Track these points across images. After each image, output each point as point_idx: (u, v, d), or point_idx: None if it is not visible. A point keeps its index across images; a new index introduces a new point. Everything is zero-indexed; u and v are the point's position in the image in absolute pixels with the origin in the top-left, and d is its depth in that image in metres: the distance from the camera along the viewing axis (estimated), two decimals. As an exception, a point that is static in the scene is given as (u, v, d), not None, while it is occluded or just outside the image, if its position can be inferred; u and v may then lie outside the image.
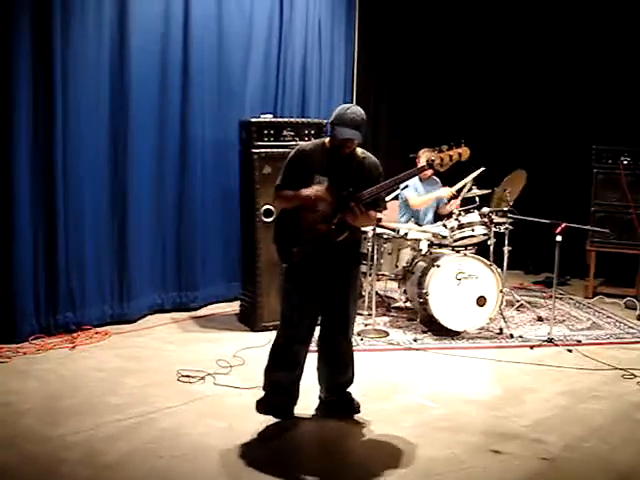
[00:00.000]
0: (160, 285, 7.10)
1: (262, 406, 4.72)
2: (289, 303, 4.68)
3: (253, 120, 6.54)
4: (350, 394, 4.94)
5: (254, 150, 6.43)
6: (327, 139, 4.63)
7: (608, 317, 7.48)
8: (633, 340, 6.70)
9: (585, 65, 8.95)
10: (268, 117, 6.64)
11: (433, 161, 4.51)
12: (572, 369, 5.87)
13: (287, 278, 4.72)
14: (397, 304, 7.57)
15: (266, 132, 6.47)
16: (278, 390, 4.74)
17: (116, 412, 4.77)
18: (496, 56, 9.18)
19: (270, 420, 4.70)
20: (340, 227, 4.49)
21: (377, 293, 7.33)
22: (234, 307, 7.19)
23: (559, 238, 6.31)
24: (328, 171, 4.51)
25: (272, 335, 6.08)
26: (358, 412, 4.87)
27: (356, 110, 4.47)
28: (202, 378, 5.38)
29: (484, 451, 4.40)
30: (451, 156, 4.46)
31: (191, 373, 5.43)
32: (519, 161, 8.70)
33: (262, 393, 4.76)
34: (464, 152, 4.47)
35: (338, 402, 4.92)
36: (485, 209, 6.98)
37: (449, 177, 7.13)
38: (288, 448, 4.44)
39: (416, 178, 7.61)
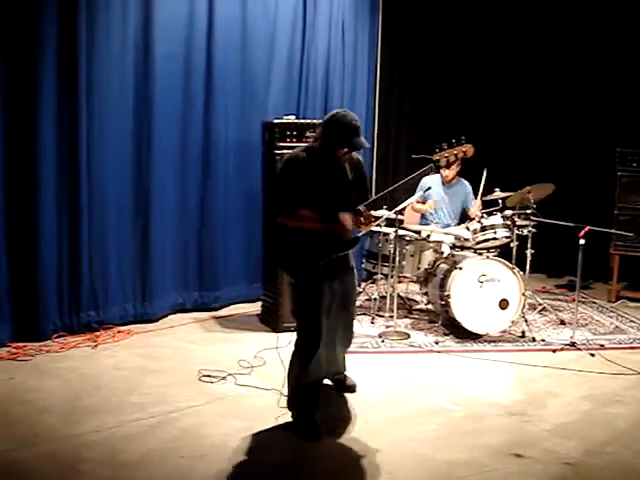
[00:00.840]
0: (182, 285, 7.13)
1: (310, 433, 4.56)
2: (307, 312, 4.62)
3: (276, 121, 6.55)
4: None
5: (277, 151, 6.43)
6: (316, 144, 4.59)
7: (631, 321, 7.42)
8: (657, 345, 6.65)
9: (610, 67, 8.87)
10: (291, 118, 6.65)
11: (438, 161, 4.55)
12: (594, 373, 5.83)
13: (302, 287, 4.61)
14: (419, 306, 7.55)
15: (289, 133, 6.47)
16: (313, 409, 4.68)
17: (137, 411, 4.79)
18: (523, 58, 9.14)
19: (284, 419, 4.72)
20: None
21: (399, 295, 7.32)
22: (256, 308, 7.19)
23: (582, 241, 6.26)
24: (329, 177, 4.55)
25: (292, 336, 6.14)
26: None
27: (354, 116, 4.49)
28: (223, 378, 5.39)
29: (505, 455, 4.37)
30: (456, 154, 4.57)
31: (212, 373, 5.45)
32: (543, 164, 8.74)
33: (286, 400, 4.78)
34: (468, 149, 4.61)
35: None
36: (508, 212, 6.95)
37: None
38: (308, 451, 4.43)
39: (439, 181, 7.63)
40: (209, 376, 5.41)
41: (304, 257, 4.54)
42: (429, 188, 7.35)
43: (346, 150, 4.48)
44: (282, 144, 6.43)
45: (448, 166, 4.57)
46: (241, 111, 7.25)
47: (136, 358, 5.83)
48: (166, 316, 6.94)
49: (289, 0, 7.50)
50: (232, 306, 7.39)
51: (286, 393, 4.80)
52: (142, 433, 4.50)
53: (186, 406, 4.90)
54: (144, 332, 6.50)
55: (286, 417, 4.73)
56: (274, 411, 4.80)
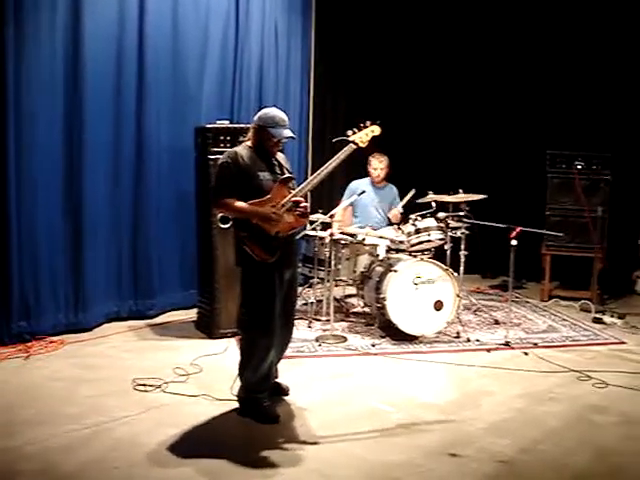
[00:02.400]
0: (116, 293, 7.03)
1: (266, 415, 4.87)
2: (270, 296, 4.81)
3: (209, 126, 6.52)
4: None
5: (210, 156, 6.39)
6: (249, 141, 4.95)
7: (564, 320, 7.56)
8: (588, 342, 6.79)
9: (538, 73, 9.05)
10: (224, 123, 6.61)
11: (355, 141, 5.05)
12: (528, 372, 5.93)
13: (257, 277, 4.83)
14: (355, 309, 7.58)
15: (222, 138, 6.43)
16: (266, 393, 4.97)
17: (72, 422, 4.71)
18: (455, 61, 9.26)
19: (227, 427, 4.70)
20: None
21: (335, 299, 7.35)
22: (192, 314, 7.13)
23: (514, 242, 6.38)
24: (266, 168, 4.90)
25: (230, 342, 6.13)
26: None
27: (281, 111, 4.97)
28: (159, 386, 5.33)
29: (441, 454, 4.42)
30: (367, 134, 5.11)
31: (147, 382, 5.38)
32: (475, 167, 8.87)
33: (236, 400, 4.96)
34: (376, 129, 5.17)
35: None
36: (441, 214, 7.03)
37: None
38: (245, 454, 4.39)
39: (369, 185, 7.71)
40: (144, 385, 5.34)
41: (264, 235, 4.76)
42: (363, 192, 7.42)
43: (276, 140, 4.90)
44: (215, 149, 6.38)
45: (364, 144, 5.06)
46: (174, 115, 7.19)
47: (70, 368, 5.72)
48: (100, 325, 6.83)
49: (221, 2, 7.46)
50: (168, 313, 7.32)
51: (237, 385, 4.98)
52: (78, 444, 4.43)
53: (121, 416, 4.82)
54: (78, 342, 6.38)
55: (223, 424, 4.71)
56: (210, 417, 4.77)
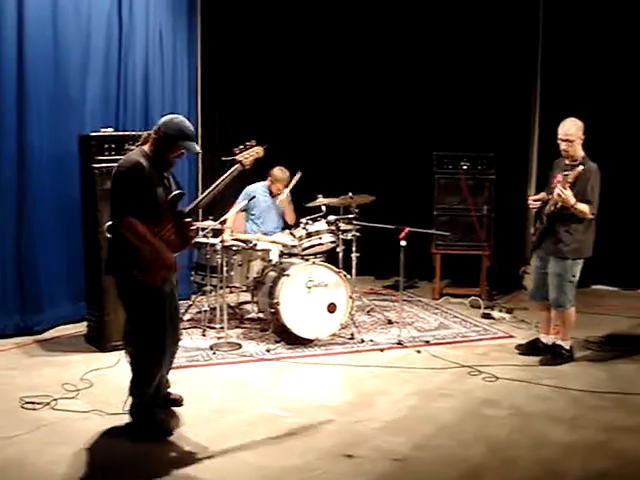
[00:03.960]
0: (1, 309, 6.76)
1: (160, 428, 4.77)
2: (161, 310, 4.65)
3: (93, 134, 6.37)
4: None
5: (95, 165, 6.25)
6: (149, 150, 4.61)
7: (454, 317, 7.73)
8: (478, 338, 6.96)
9: (423, 76, 9.22)
10: (109, 131, 6.47)
11: (242, 162, 4.95)
12: (421, 370, 6.02)
13: (145, 296, 4.60)
14: (250, 315, 7.54)
15: (107, 146, 6.29)
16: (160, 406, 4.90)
17: (-44, 445, 4.52)
18: (344, 65, 9.31)
19: (119, 442, 4.60)
20: None
21: (229, 306, 7.30)
22: (82, 328, 6.92)
23: (403, 243, 6.48)
24: (161, 182, 4.63)
25: (121, 354, 5.97)
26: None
27: (187, 121, 4.68)
28: (48, 404, 5.15)
29: (336, 456, 4.43)
30: (251, 154, 4.99)
31: (36, 399, 5.19)
32: (364, 169, 8.95)
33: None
34: (260, 151, 5.05)
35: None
36: (332, 217, 7.06)
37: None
38: (138, 470, 4.30)
39: (265, 190, 7.70)
40: (33, 402, 5.15)
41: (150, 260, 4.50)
42: (253, 197, 7.41)
43: (181, 152, 4.64)
44: (100, 157, 6.25)
45: (249, 165, 4.99)
46: (57, 124, 6.95)
47: (-48, 389, 5.50)
48: (-16, 343, 6.58)
49: (103, 7, 7.29)
50: (57, 328, 7.08)
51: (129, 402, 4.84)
52: (-37, 466, 4.25)
53: (9, 435, 4.64)
54: (-40, 361, 6.14)
55: (115, 439, 4.62)
56: (101, 434, 4.66)
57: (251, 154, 5.00)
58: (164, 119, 4.66)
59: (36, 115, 6.79)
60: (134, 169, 4.48)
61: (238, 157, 4.96)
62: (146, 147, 4.64)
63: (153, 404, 4.81)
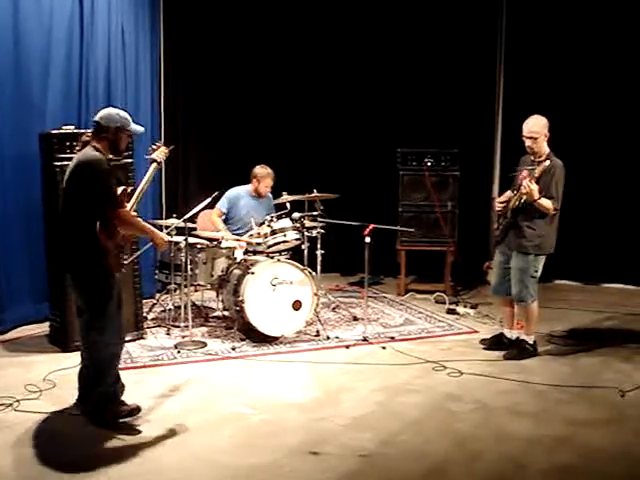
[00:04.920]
0: (-39, 309, 6.67)
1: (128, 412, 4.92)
2: (115, 308, 4.80)
3: (54, 132, 6.28)
4: None
5: (56, 163, 6.17)
6: (102, 147, 4.76)
7: (419, 312, 7.75)
8: (443, 333, 7.00)
9: (386, 73, 9.25)
10: (70, 128, 6.39)
11: (156, 160, 5.52)
12: (386, 366, 6.04)
13: (109, 287, 4.77)
14: (215, 314, 7.50)
15: (68, 144, 6.20)
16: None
17: None
18: (302, 62, 9.29)
19: (83, 443, 4.55)
20: None
21: (194, 304, 7.26)
22: (45, 328, 6.84)
23: (368, 239, 6.49)
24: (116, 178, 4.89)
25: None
26: None
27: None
28: (10, 405, 5.08)
29: (303, 453, 4.43)
30: (164, 152, 5.59)
31: (-3, 401, 5.14)
32: (328, 166, 8.95)
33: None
34: (166, 149, 5.63)
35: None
36: (296, 214, 7.05)
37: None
38: (103, 471, 4.24)
39: (248, 194, 7.64)
40: (-6, 404, 5.10)
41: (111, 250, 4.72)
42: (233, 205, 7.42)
43: (136, 135, 5.22)
44: (61, 155, 6.17)
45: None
46: (17, 123, 6.84)
47: None
48: (-57, 344, 6.48)
49: (65, 4, 7.19)
50: (19, 328, 6.98)
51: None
52: None
53: (-32, 439, 4.59)
54: None
55: (78, 440, 4.57)
56: (65, 434, 4.61)
57: (162, 153, 5.55)
58: (103, 116, 4.83)
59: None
60: (105, 165, 4.69)
61: (153, 156, 5.51)
62: (95, 146, 4.75)
63: (117, 396, 4.90)
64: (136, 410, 4.96)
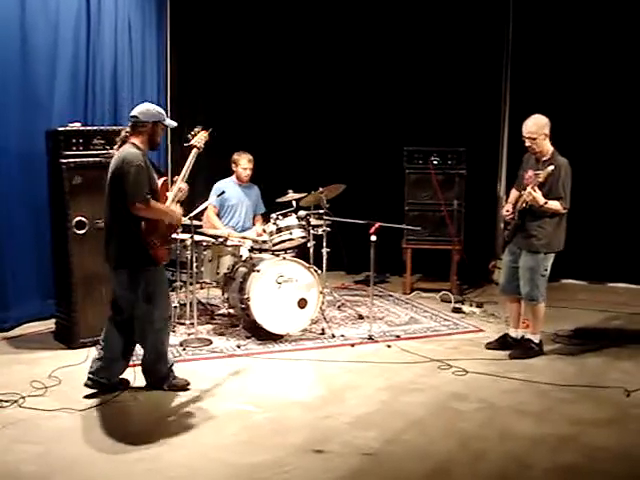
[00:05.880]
0: (-33, 306, 6.68)
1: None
2: (161, 296, 5.21)
3: (60, 129, 6.28)
4: None
5: (62, 160, 6.18)
6: (139, 142, 5.06)
7: (425, 311, 7.74)
8: (448, 332, 6.99)
9: (392, 72, 9.24)
10: (76, 126, 6.40)
11: (196, 146, 5.66)
12: (391, 364, 6.03)
13: (154, 278, 5.12)
14: (221, 311, 7.51)
15: (74, 141, 6.23)
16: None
17: None
18: (310, 60, 9.28)
19: (88, 440, 4.56)
20: None
21: (200, 302, 7.27)
22: (50, 325, 6.85)
23: (374, 238, 6.48)
24: (152, 169, 5.13)
25: (90, 351, 5.97)
26: None
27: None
28: (15, 402, 5.09)
29: (307, 451, 4.43)
30: (202, 138, 5.70)
31: (3, 397, 5.13)
32: (334, 165, 8.94)
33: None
34: (206, 134, 5.75)
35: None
36: (302, 212, 7.05)
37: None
38: (106, 467, 4.26)
39: (233, 184, 7.67)
40: (0, 401, 5.09)
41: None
42: (223, 192, 7.39)
43: (171, 128, 5.49)
44: (68, 152, 6.19)
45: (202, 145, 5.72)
46: (24, 120, 6.84)
47: None
48: (-51, 340, 6.49)
49: (72, 1, 7.19)
50: (25, 325, 6.99)
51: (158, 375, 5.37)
52: None
53: (-25, 434, 4.60)
54: None
55: (83, 437, 4.57)
56: (70, 431, 4.62)
57: (201, 139, 5.67)
58: (141, 111, 5.11)
59: (3, 117, 6.70)
60: (139, 161, 4.93)
61: (192, 142, 5.64)
62: (133, 142, 5.05)
63: (170, 372, 5.42)
64: (188, 384, 5.42)
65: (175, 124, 5.38)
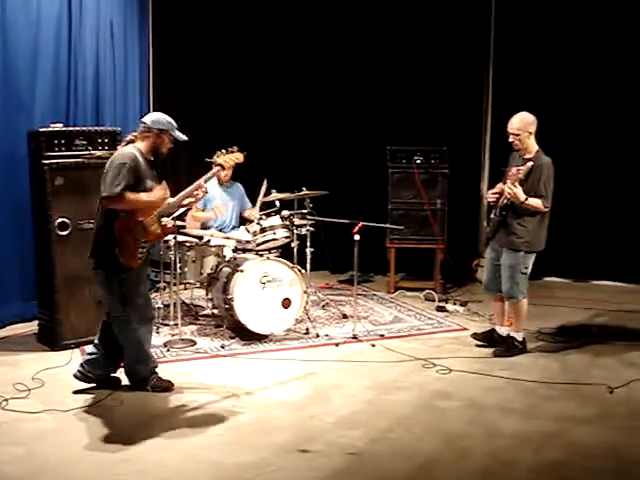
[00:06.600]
0: (-52, 308, 6.63)
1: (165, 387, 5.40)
2: (134, 296, 5.15)
3: (42, 130, 6.24)
4: None
5: (44, 161, 6.14)
6: (143, 147, 5.12)
7: (409, 310, 7.76)
8: (432, 330, 7.00)
9: (375, 71, 9.23)
10: (58, 126, 6.36)
11: (222, 164, 5.66)
12: (376, 363, 6.03)
13: (123, 278, 5.08)
14: (205, 312, 7.48)
15: (56, 142, 6.19)
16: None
17: None
18: (295, 61, 9.26)
19: (70, 442, 4.54)
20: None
21: (184, 302, 7.24)
22: (33, 327, 6.80)
23: (357, 237, 6.48)
24: (150, 175, 5.14)
25: (74, 353, 5.94)
26: None
27: None
28: (-3, 404, 5.08)
29: (292, 451, 4.42)
30: (232, 159, 5.74)
31: (-15, 400, 5.11)
32: (318, 164, 8.94)
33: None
34: (240, 157, 5.79)
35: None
36: (285, 212, 7.04)
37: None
38: (90, 469, 4.24)
39: (215, 185, 7.62)
40: (-19, 403, 5.07)
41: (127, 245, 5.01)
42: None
43: (179, 141, 5.28)
44: (50, 153, 6.15)
45: (229, 168, 5.94)
46: (5, 121, 6.79)
47: None
48: None
49: (53, 1, 7.14)
50: (8, 327, 6.94)
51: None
52: None
53: (-43, 438, 4.57)
54: None
55: (66, 439, 4.55)
56: (54, 433, 4.60)
57: (232, 158, 5.70)
58: (151, 118, 5.20)
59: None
60: (129, 160, 4.94)
61: (219, 159, 5.68)
62: (137, 145, 5.11)
63: (152, 372, 5.38)
64: (172, 385, 5.40)
65: (185, 138, 5.30)
